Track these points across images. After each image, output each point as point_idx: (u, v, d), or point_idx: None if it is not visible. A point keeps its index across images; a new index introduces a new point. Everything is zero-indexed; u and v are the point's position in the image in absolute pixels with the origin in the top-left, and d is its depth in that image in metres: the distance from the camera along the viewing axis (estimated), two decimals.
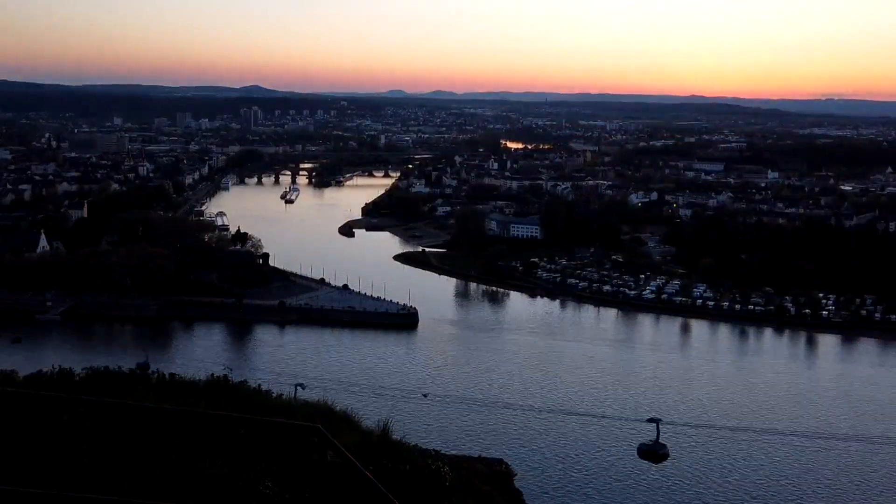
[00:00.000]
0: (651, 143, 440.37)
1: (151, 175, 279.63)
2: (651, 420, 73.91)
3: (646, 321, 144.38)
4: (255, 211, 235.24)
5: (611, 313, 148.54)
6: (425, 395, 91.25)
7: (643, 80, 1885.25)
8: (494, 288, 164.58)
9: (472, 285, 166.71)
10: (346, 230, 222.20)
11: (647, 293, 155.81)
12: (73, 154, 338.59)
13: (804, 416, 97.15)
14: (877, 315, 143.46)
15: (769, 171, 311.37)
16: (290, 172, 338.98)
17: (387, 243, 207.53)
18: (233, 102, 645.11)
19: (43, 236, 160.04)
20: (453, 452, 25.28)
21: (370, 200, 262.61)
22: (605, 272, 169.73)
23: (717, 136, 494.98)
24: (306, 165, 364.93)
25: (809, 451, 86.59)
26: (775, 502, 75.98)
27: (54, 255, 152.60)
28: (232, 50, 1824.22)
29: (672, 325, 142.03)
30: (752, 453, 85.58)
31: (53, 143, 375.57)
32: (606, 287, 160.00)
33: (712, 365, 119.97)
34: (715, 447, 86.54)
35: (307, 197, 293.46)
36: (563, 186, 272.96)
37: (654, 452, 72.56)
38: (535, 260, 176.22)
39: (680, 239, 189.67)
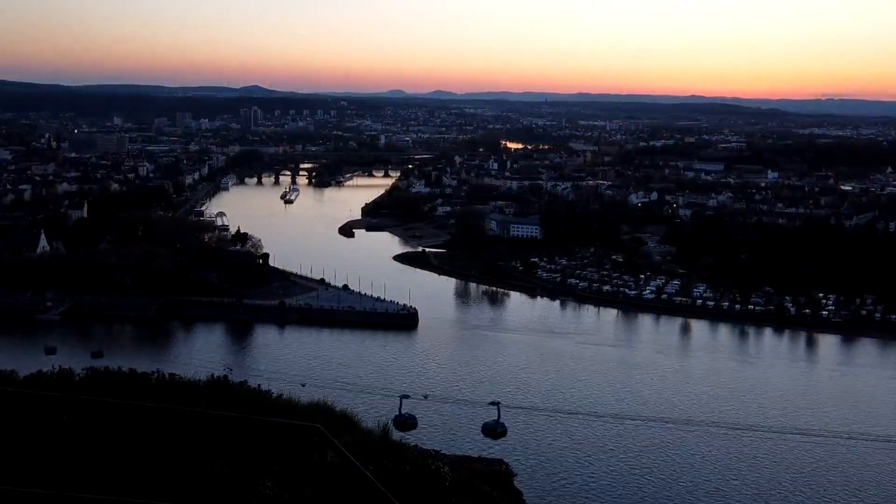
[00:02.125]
0: (651, 143, 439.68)
1: (151, 175, 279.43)
2: (651, 419, 74.65)
3: (646, 321, 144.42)
4: (254, 211, 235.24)
5: (611, 313, 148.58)
6: (426, 397, 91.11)
7: (643, 80, 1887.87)
8: (494, 288, 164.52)
9: (472, 285, 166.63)
10: (346, 230, 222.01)
11: (647, 293, 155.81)
12: (73, 154, 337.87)
13: (804, 416, 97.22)
14: (877, 315, 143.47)
15: (769, 171, 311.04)
16: (290, 172, 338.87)
17: (387, 243, 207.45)
18: (233, 102, 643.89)
19: (43, 236, 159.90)
20: (453, 452, 25.26)
21: (370, 200, 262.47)
22: (605, 272, 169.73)
23: (717, 136, 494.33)
24: (306, 165, 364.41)
25: (808, 449, 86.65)
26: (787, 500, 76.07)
27: (54, 255, 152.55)
28: (232, 50, 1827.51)
29: (672, 324, 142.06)
30: (761, 453, 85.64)
31: (53, 143, 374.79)
32: (606, 287, 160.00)
33: (711, 364, 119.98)
34: (720, 446, 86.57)
35: (307, 197, 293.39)
36: (563, 186, 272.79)
37: None
38: (535, 260, 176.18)
39: (680, 239, 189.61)
